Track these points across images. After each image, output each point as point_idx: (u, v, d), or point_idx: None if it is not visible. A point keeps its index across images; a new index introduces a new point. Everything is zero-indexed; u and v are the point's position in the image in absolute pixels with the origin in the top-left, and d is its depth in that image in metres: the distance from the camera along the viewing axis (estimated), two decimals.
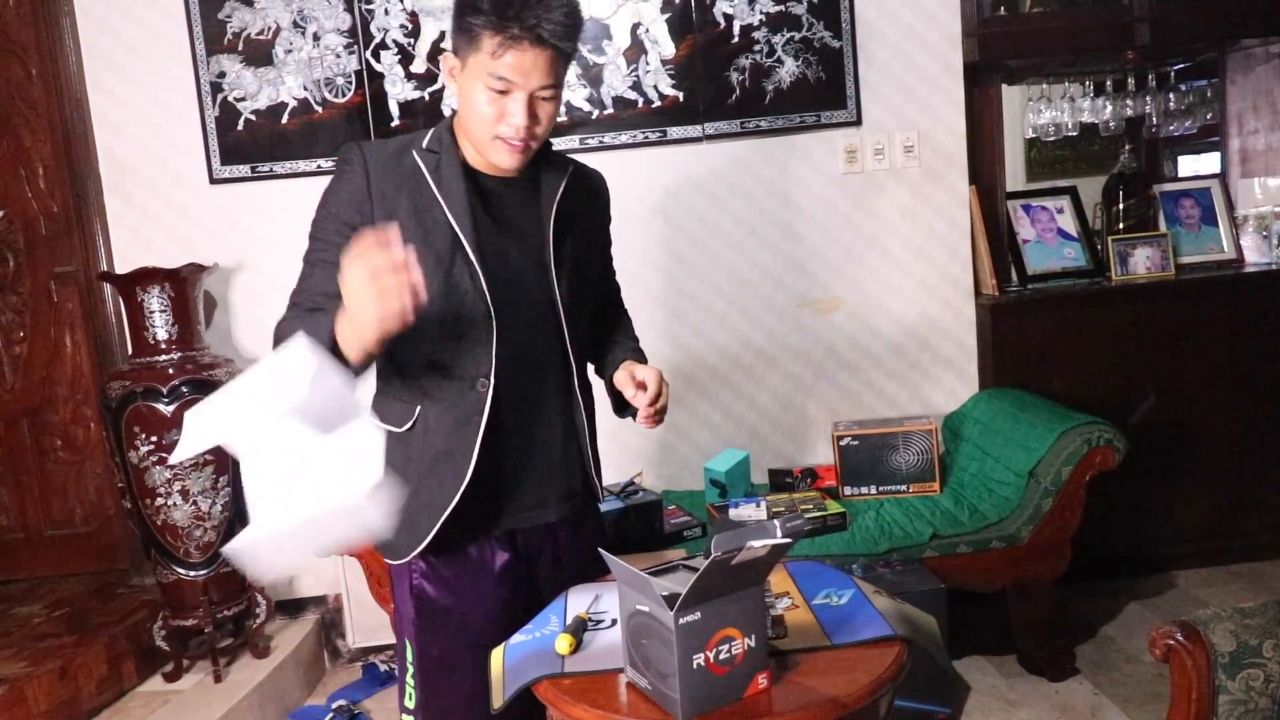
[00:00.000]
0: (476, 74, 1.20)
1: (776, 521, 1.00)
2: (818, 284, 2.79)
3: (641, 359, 1.48)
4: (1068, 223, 2.97)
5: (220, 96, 2.66)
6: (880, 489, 2.56)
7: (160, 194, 2.70)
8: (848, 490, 2.56)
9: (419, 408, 1.31)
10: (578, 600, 1.35)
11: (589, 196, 1.42)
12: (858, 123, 2.72)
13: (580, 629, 1.24)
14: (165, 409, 2.31)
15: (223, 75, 2.66)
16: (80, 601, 2.67)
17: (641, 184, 2.73)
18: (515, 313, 1.29)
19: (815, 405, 2.84)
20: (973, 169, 2.79)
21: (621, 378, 1.36)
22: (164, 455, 2.32)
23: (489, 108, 1.20)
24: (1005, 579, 2.35)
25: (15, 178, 2.77)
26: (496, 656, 1.25)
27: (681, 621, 1.00)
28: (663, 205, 2.74)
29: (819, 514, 2.37)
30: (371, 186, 1.24)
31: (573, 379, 1.38)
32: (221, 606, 2.46)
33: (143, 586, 2.70)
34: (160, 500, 2.34)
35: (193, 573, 2.41)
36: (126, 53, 2.65)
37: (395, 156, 1.27)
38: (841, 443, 2.55)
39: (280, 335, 1.21)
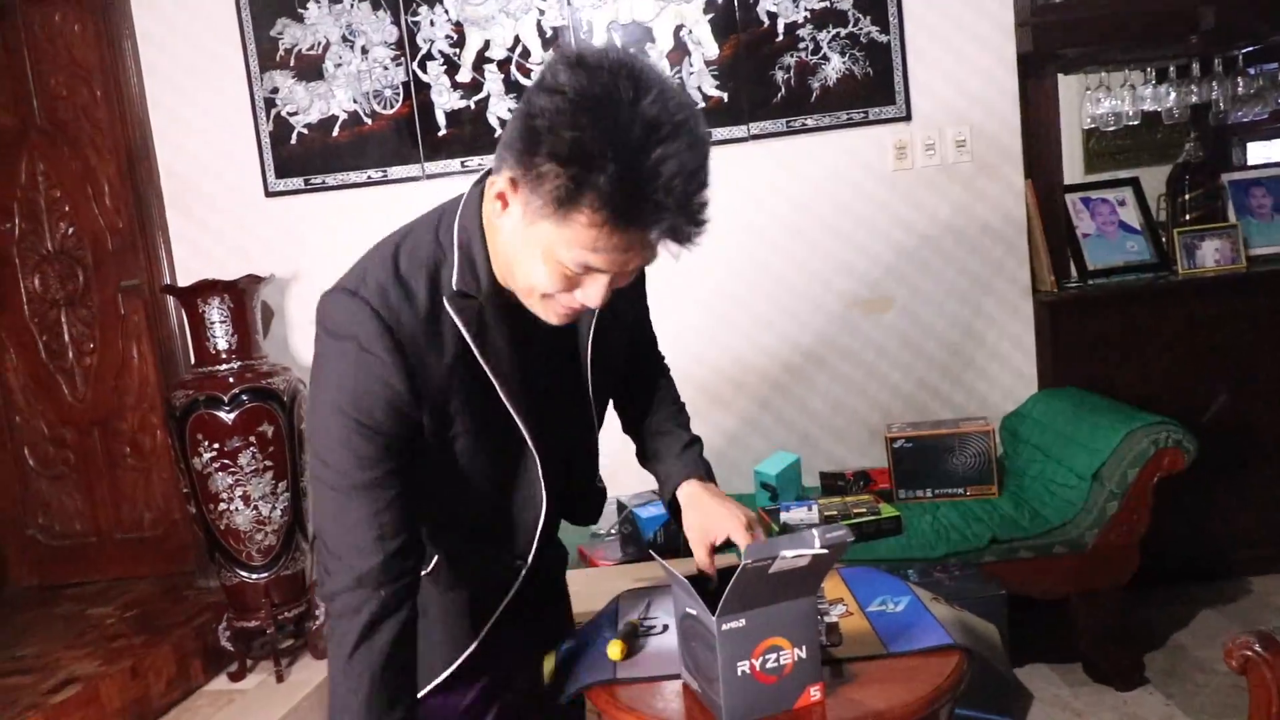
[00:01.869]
0: (549, 246, 0.87)
1: (815, 531, 0.98)
2: (867, 284, 2.74)
3: (687, 437, 1.26)
4: (1130, 215, 2.87)
5: (274, 112, 2.73)
6: (936, 492, 2.50)
7: (218, 208, 2.78)
8: (902, 493, 2.51)
9: (442, 558, 1.14)
10: (629, 607, 1.35)
11: (621, 295, 1.09)
12: (907, 118, 2.67)
13: (632, 635, 1.23)
14: (226, 416, 2.38)
15: (275, 91, 2.73)
16: (149, 603, 2.76)
17: None
18: (559, 448, 1.11)
19: (867, 407, 2.79)
20: (1028, 162, 2.72)
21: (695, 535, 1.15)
22: (226, 461, 2.38)
23: (555, 283, 0.90)
24: (1069, 585, 2.28)
25: (83, 196, 2.88)
26: (549, 662, 1.26)
27: (725, 628, 0.99)
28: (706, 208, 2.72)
29: (872, 518, 2.33)
30: (413, 381, 0.94)
31: (597, 458, 1.25)
32: (282, 608, 2.52)
33: (208, 589, 2.79)
34: (223, 505, 2.40)
35: (254, 575, 2.47)
36: (184, 73, 2.74)
37: (429, 319, 0.95)
38: (895, 445, 2.50)
39: (388, 660, 0.95)
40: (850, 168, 2.70)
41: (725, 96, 2.67)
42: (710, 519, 1.13)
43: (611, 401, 1.28)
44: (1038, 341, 2.76)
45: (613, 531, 2.42)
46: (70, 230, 2.90)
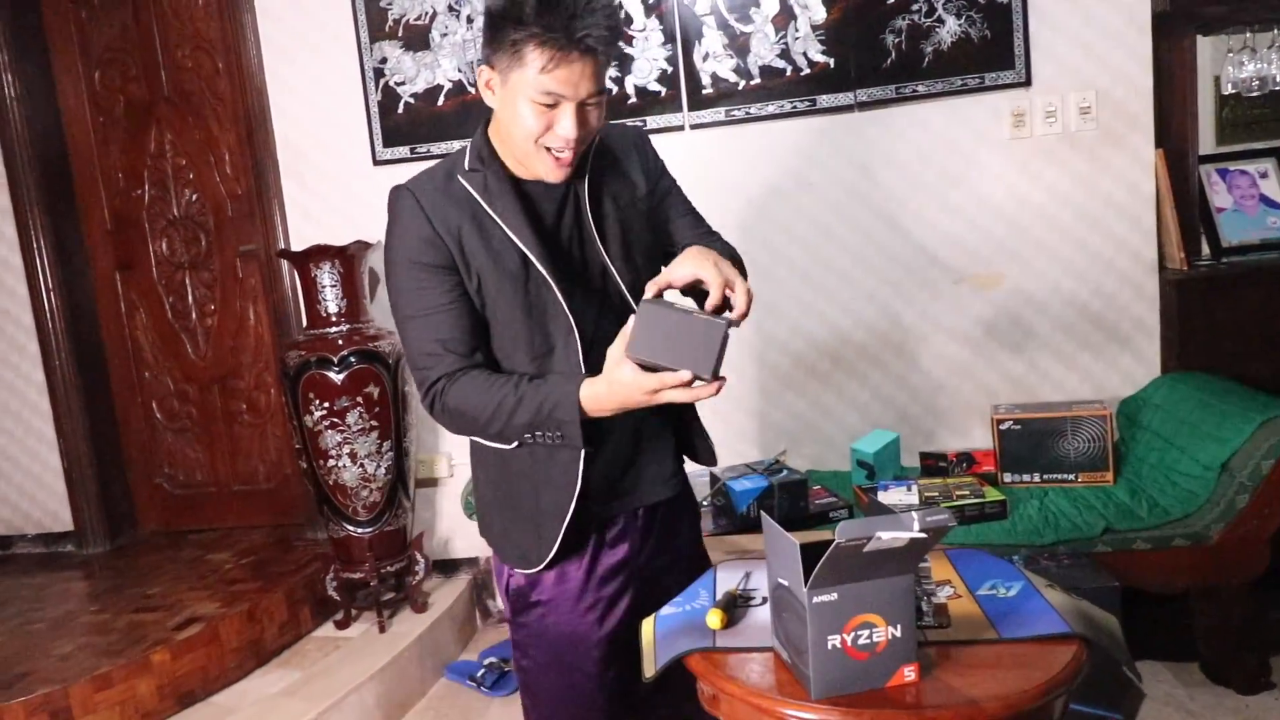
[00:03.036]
0: (521, 89, 1.15)
1: (914, 515, 0.94)
2: (978, 258, 2.63)
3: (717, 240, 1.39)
4: (1272, 188, 2.66)
5: (382, 82, 2.79)
6: (1045, 477, 2.39)
7: (329, 176, 2.88)
8: (1008, 477, 2.42)
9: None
10: (727, 576, 1.34)
11: (615, 166, 1.34)
12: (1026, 83, 2.53)
13: (731, 604, 1.23)
14: (336, 377, 2.47)
15: (384, 61, 2.79)
16: (263, 551, 2.92)
17: (788, 155, 2.66)
18: (591, 313, 1.26)
19: (972, 387, 2.69)
20: (1159, 131, 2.54)
21: (701, 266, 1.20)
22: (335, 420, 2.48)
23: (535, 121, 1.16)
24: (1189, 580, 2.15)
25: (206, 164, 3.03)
26: (647, 627, 1.26)
27: (815, 600, 0.97)
28: (810, 177, 2.66)
29: (976, 500, 2.25)
30: (435, 225, 1.21)
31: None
32: (385, 562, 2.62)
33: (316, 540, 2.92)
34: (332, 462, 2.51)
35: (359, 530, 2.58)
36: (299, 44, 2.83)
37: (443, 187, 1.23)
38: (1002, 426, 2.40)
39: (468, 400, 1.21)
40: (963, 136, 2.58)
41: (832, 63, 2.58)
42: (689, 258, 1.18)
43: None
44: (1163, 323, 2.59)
45: (705, 503, 2.41)
46: (194, 197, 3.06)
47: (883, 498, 2.30)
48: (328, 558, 2.71)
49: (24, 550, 3.25)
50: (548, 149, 1.18)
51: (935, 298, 2.66)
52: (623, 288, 1.29)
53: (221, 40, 2.92)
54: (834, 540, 0.93)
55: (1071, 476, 2.37)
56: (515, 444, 1.23)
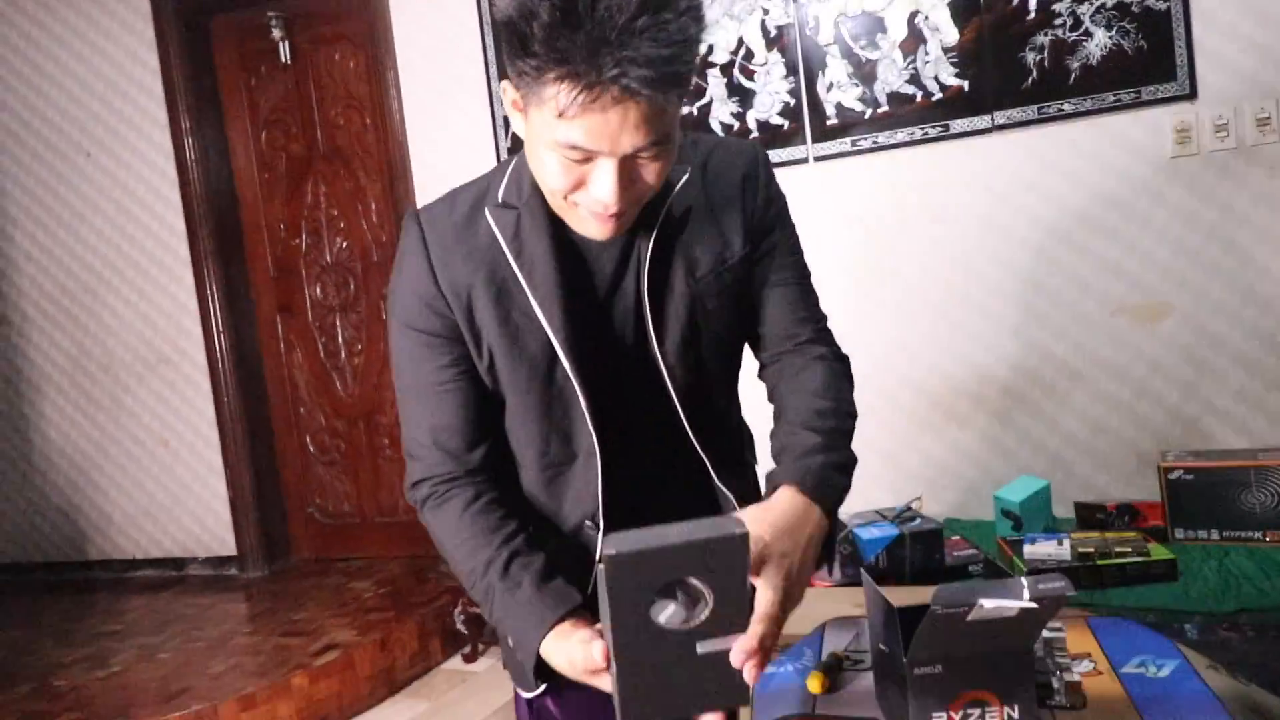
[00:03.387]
0: (541, 131, 0.80)
1: (1024, 581, 0.82)
2: (1138, 287, 2.39)
3: (815, 440, 0.92)
4: None
5: (511, 131, 2.90)
6: (1224, 534, 2.11)
7: None
8: (1179, 533, 2.15)
9: (530, 516, 1.05)
10: (836, 635, 1.25)
11: (704, 215, 0.97)
12: (1191, 96, 2.29)
13: (835, 667, 1.14)
14: None
15: None
16: (399, 581, 3.04)
17: (918, 184, 2.53)
18: (620, 425, 0.98)
19: (1135, 430, 2.43)
20: None
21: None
22: None
23: (563, 176, 0.82)
24: None
25: (354, 213, 3.24)
26: None
27: (917, 673, 0.87)
28: (942, 206, 2.51)
29: (1140, 559, 2.01)
30: (437, 275, 0.93)
31: (705, 469, 1.02)
32: None
33: (448, 573, 3.01)
34: None
35: None
36: (437, 97, 2.99)
37: (463, 224, 0.94)
38: (1171, 476, 2.15)
39: (445, 538, 0.96)
40: (1117, 156, 2.37)
41: (966, 85, 2.45)
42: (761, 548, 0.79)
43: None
44: None
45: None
46: (344, 244, 3.28)
47: (1029, 552, 2.10)
48: (457, 591, 2.79)
49: (196, 572, 3.55)
50: (586, 207, 0.85)
51: (1089, 331, 2.43)
52: (672, 396, 0.97)
53: (369, 97, 3.13)
54: (930, 606, 0.83)
55: (1258, 534, 2.08)
56: None
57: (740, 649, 0.71)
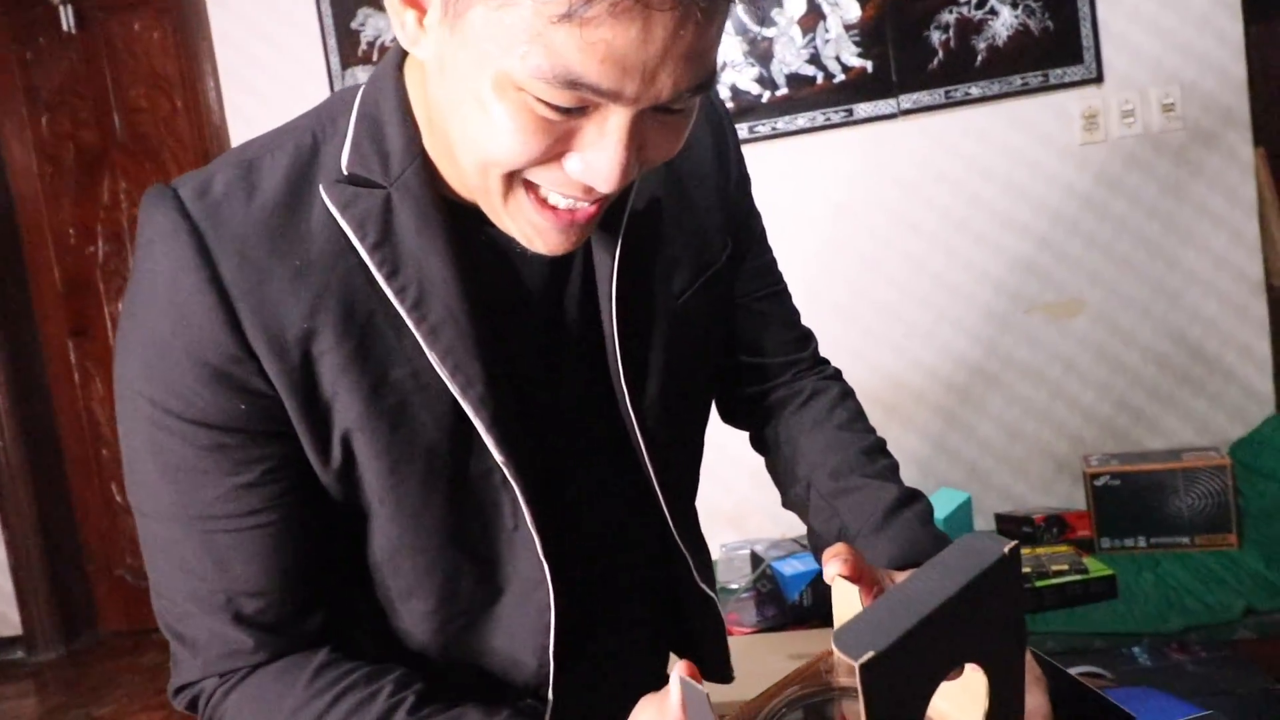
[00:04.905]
0: (495, 57, 0.45)
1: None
2: (1051, 284, 2.25)
3: (894, 492, 0.68)
4: None
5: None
6: (1151, 541, 1.99)
7: None
8: (1106, 542, 2.01)
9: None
10: None
11: (689, 184, 0.67)
12: (1098, 80, 2.17)
13: None
14: None
15: None
16: None
17: (819, 175, 2.31)
18: (580, 522, 0.66)
19: (1052, 434, 2.30)
20: (1256, 126, 2.18)
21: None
22: None
23: (532, 140, 0.47)
24: None
25: None
26: None
27: None
28: (846, 199, 2.30)
29: (1079, 577, 1.85)
30: (243, 323, 0.52)
31: (688, 570, 0.74)
32: None
33: None
34: None
35: None
36: (262, 74, 2.52)
37: (277, 223, 0.54)
38: (1097, 483, 2.00)
39: (268, 708, 0.57)
40: (1026, 144, 2.22)
41: (869, 66, 2.24)
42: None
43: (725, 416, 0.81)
44: (1275, 350, 2.20)
45: (745, 590, 2.01)
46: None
47: None
48: None
49: None
50: (532, 188, 0.51)
51: (1004, 331, 2.28)
52: (649, 473, 0.66)
53: (179, 75, 2.62)
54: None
55: (1186, 540, 1.97)
56: None
57: None
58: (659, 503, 0.67)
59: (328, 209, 0.54)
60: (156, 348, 0.53)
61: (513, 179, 0.50)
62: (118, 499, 2.84)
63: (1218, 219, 2.18)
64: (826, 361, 0.81)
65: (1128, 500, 2.00)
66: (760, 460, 0.80)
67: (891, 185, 2.29)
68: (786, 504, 0.77)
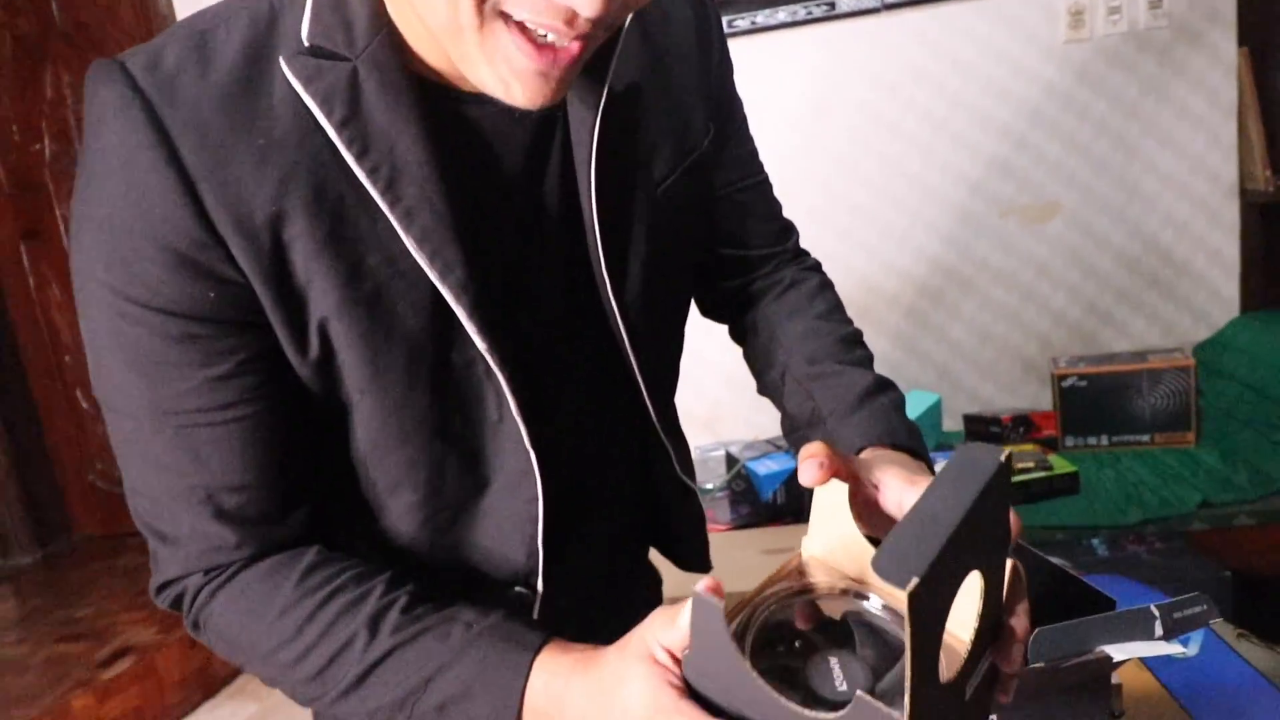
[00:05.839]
0: None
1: (1155, 611, 0.57)
2: (1027, 187, 2.24)
3: (866, 380, 0.67)
4: None
5: None
6: (1113, 440, 2.05)
7: None
8: (1070, 441, 2.07)
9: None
10: None
11: (670, 64, 0.64)
12: None
13: None
14: None
15: None
16: None
17: (799, 73, 2.24)
18: (562, 409, 0.64)
19: (1021, 336, 2.33)
20: (1242, 25, 2.14)
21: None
22: None
23: None
24: None
25: None
26: None
27: None
28: (826, 99, 2.25)
29: (1043, 474, 1.90)
30: (206, 205, 0.49)
31: (668, 460, 0.73)
32: None
33: None
34: None
35: None
36: None
37: (237, 97, 0.50)
38: (1065, 384, 2.05)
39: (257, 627, 0.55)
40: (1009, 43, 2.17)
41: None
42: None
43: (704, 310, 0.80)
44: (1243, 253, 2.23)
45: (720, 489, 2.05)
46: None
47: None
48: None
49: None
50: (511, 20, 0.46)
51: (978, 235, 2.28)
52: (632, 365, 0.64)
53: None
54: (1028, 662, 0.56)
55: (1146, 438, 2.03)
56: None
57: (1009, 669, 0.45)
58: (640, 393, 0.66)
59: (289, 84, 0.50)
60: (115, 233, 0.49)
61: (485, 8, 0.45)
62: (84, 405, 2.80)
63: (1197, 121, 2.17)
64: (807, 253, 0.81)
65: (1093, 400, 2.04)
66: (734, 364, 0.80)
67: (871, 84, 2.23)
68: (761, 389, 0.77)
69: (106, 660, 1.99)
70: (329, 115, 0.50)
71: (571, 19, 0.45)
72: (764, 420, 2.39)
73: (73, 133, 2.61)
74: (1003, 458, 0.41)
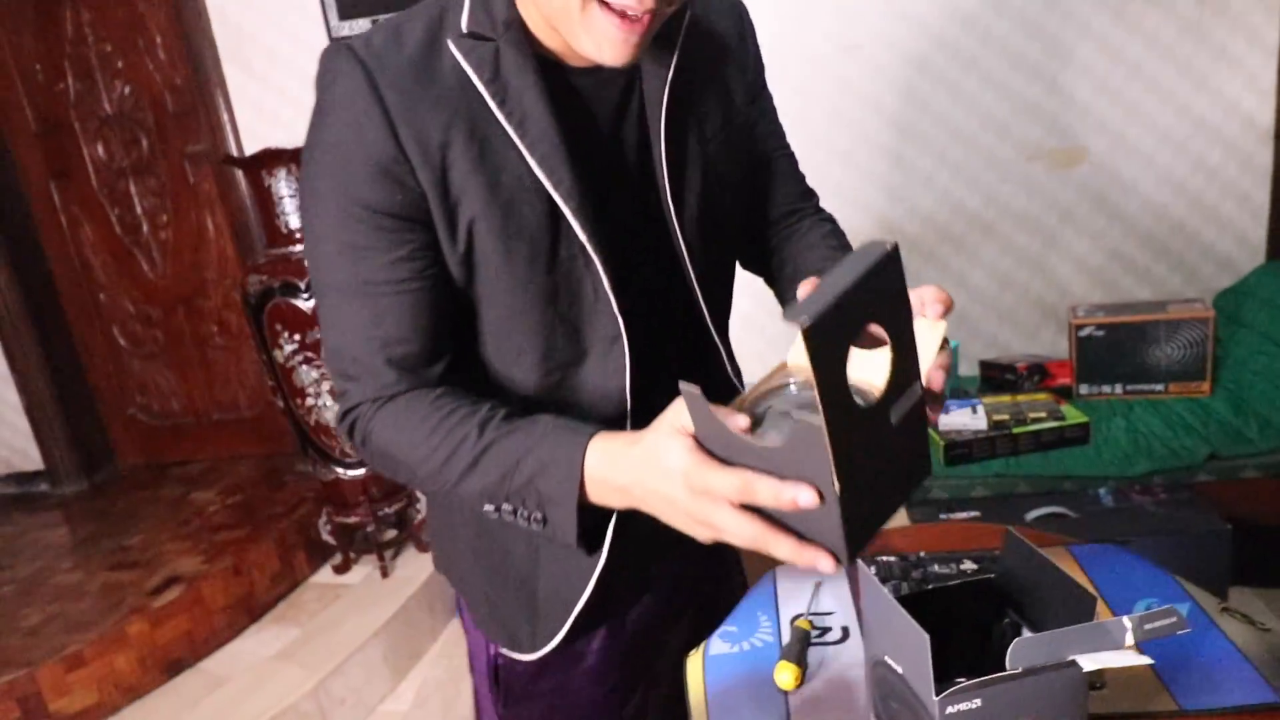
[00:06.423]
0: None
1: (1127, 623, 0.62)
2: (1056, 130, 2.20)
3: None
4: None
5: None
6: (1128, 388, 2.07)
7: (279, 60, 2.42)
8: (1084, 389, 2.09)
9: None
10: (790, 592, 1.04)
11: (718, 57, 0.85)
12: None
13: (803, 648, 0.93)
14: (305, 305, 2.13)
15: None
16: (251, 488, 2.67)
17: (830, 14, 2.18)
18: (642, 300, 0.80)
19: (1043, 283, 2.33)
20: None
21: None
22: (310, 354, 2.16)
23: None
24: None
25: (135, 50, 2.57)
26: (694, 669, 0.98)
27: (951, 710, 0.66)
28: (854, 36, 2.20)
29: (1055, 424, 1.93)
30: (397, 129, 0.69)
31: (720, 358, 0.90)
32: (382, 504, 2.36)
33: (309, 473, 2.66)
34: (311, 400, 2.20)
35: (350, 472, 2.31)
36: None
37: (420, 63, 0.71)
38: (1082, 333, 2.06)
39: (404, 440, 0.74)
40: None
41: None
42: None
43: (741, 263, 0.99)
44: (1273, 201, 2.19)
45: None
46: (127, 90, 2.61)
47: (945, 423, 1.98)
48: (320, 496, 2.46)
49: None
50: (601, 2, 0.66)
51: (1005, 179, 2.25)
52: (690, 277, 0.82)
53: None
54: (1005, 670, 0.61)
55: (1160, 387, 2.05)
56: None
57: (933, 388, 0.65)
58: (696, 297, 0.84)
59: (455, 57, 0.72)
60: (340, 153, 0.71)
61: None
62: (121, 343, 2.89)
63: (1235, 62, 2.10)
64: (824, 210, 0.98)
65: (1109, 349, 2.05)
66: (750, 306, 0.97)
67: (902, 22, 2.18)
68: (786, 316, 0.87)
69: (157, 589, 2.12)
70: (480, 76, 0.71)
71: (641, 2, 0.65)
72: (776, 359, 2.43)
73: (95, 72, 2.61)
74: (890, 247, 0.56)
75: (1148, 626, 0.61)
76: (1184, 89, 2.13)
